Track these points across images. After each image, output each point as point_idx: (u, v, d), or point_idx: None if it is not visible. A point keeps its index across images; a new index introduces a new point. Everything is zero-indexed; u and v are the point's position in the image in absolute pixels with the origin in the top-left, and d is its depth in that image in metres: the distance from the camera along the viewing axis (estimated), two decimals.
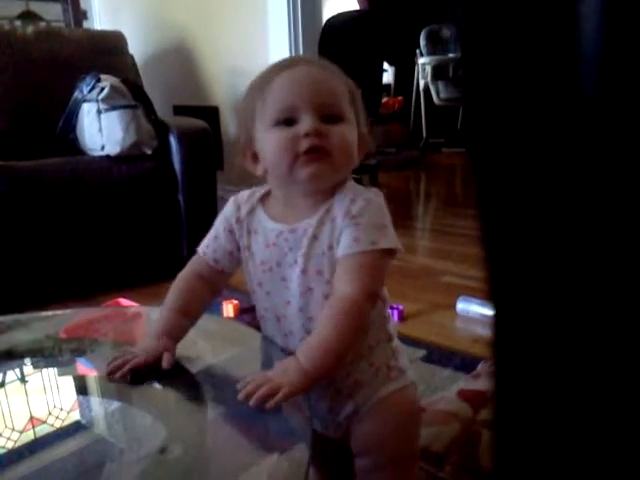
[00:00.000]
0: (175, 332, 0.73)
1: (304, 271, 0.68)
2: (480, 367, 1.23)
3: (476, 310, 1.59)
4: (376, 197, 0.69)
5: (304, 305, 0.69)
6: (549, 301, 0.33)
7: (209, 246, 0.76)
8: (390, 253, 0.67)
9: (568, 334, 0.32)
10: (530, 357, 0.35)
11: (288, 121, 0.66)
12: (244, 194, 0.76)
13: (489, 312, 1.47)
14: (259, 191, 0.75)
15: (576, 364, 0.32)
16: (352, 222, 0.65)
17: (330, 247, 0.66)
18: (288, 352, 0.69)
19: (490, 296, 0.38)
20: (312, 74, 0.68)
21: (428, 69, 4.54)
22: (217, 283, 0.78)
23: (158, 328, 0.73)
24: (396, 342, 0.75)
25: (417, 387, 0.75)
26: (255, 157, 0.71)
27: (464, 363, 1.32)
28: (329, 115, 0.66)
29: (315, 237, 0.67)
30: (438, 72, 4.54)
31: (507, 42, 0.32)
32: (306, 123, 0.65)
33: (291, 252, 0.69)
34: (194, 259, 0.78)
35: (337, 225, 0.66)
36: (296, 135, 0.65)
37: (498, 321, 0.39)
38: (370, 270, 0.66)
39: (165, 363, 0.68)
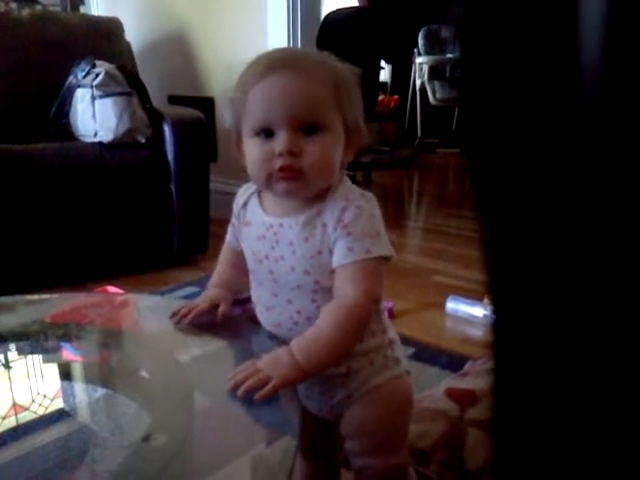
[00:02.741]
0: (231, 283, 0.81)
1: (292, 268, 0.68)
2: (468, 366, 1.23)
3: (465, 310, 1.60)
4: (368, 204, 0.68)
5: (292, 298, 0.70)
6: (550, 301, 0.33)
7: (230, 234, 0.80)
8: (384, 259, 0.68)
9: (570, 334, 0.32)
10: (531, 357, 0.35)
11: (267, 132, 0.66)
12: (246, 186, 0.77)
13: (478, 312, 1.48)
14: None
15: (578, 365, 0.32)
16: (345, 232, 0.65)
17: (319, 252, 0.67)
18: (280, 342, 0.69)
19: (489, 295, 0.38)
20: (288, 86, 0.65)
21: (425, 69, 4.54)
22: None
23: (215, 280, 0.82)
24: (392, 333, 0.75)
25: (410, 375, 0.76)
26: None
27: (452, 362, 1.33)
28: (307, 125, 0.65)
29: (305, 239, 0.67)
30: (435, 72, 4.54)
31: (507, 42, 0.31)
32: (280, 142, 0.64)
33: (277, 246, 0.69)
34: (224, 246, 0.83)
35: (329, 234, 0.66)
36: (271, 152, 0.65)
37: (498, 321, 0.38)
38: (368, 276, 0.66)
39: (219, 315, 0.77)
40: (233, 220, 0.78)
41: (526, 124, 0.31)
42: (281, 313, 0.71)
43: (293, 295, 0.69)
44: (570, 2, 0.28)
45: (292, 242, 0.68)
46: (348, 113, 0.68)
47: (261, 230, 0.71)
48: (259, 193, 0.74)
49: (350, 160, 0.72)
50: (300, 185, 0.66)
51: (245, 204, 0.75)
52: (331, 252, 0.66)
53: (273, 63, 0.66)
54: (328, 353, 0.64)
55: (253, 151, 0.67)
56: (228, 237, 0.81)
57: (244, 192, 0.76)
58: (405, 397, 0.75)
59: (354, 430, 0.73)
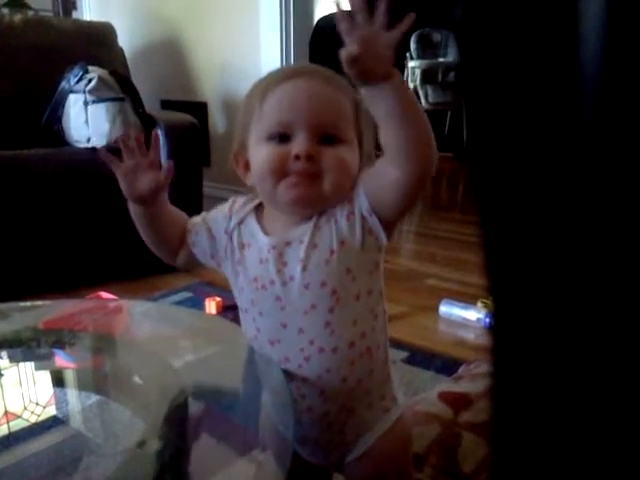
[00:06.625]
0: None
1: (306, 286, 0.62)
2: (462, 370, 1.23)
3: (458, 313, 1.60)
4: None
5: (305, 326, 0.63)
6: (551, 305, 0.33)
7: (194, 227, 0.73)
8: None
9: (570, 338, 0.32)
10: (530, 360, 0.35)
11: (282, 137, 0.61)
12: (239, 202, 0.71)
13: (471, 316, 1.47)
14: (254, 200, 0.70)
15: (580, 369, 0.32)
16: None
17: (332, 252, 0.62)
18: (290, 378, 0.64)
19: (490, 298, 0.38)
20: (314, 90, 0.62)
21: (417, 73, 4.55)
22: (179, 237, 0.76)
23: None
24: (391, 370, 0.71)
25: (407, 409, 0.73)
26: (247, 166, 0.67)
27: (446, 365, 1.33)
28: (327, 135, 0.61)
29: (314, 245, 0.63)
30: (427, 76, 4.56)
31: (507, 47, 0.32)
32: (298, 144, 0.60)
33: (286, 267, 0.63)
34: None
35: (341, 225, 0.62)
36: (287, 154, 0.61)
37: (497, 324, 0.39)
38: None
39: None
40: (210, 228, 0.71)
41: (526, 127, 0.32)
42: (290, 346, 0.64)
43: (305, 321, 0.63)
44: (570, 5, 0.28)
45: (302, 258, 0.62)
46: (364, 136, 0.65)
47: (262, 253, 0.65)
48: (256, 212, 0.69)
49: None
50: (313, 194, 0.62)
51: (241, 222, 0.68)
52: (358, 234, 0.62)
53: (297, 69, 0.64)
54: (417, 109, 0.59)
55: (265, 153, 0.62)
56: (192, 224, 0.74)
57: (240, 208, 0.70)
58: (407, 440, 0.73)
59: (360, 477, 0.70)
